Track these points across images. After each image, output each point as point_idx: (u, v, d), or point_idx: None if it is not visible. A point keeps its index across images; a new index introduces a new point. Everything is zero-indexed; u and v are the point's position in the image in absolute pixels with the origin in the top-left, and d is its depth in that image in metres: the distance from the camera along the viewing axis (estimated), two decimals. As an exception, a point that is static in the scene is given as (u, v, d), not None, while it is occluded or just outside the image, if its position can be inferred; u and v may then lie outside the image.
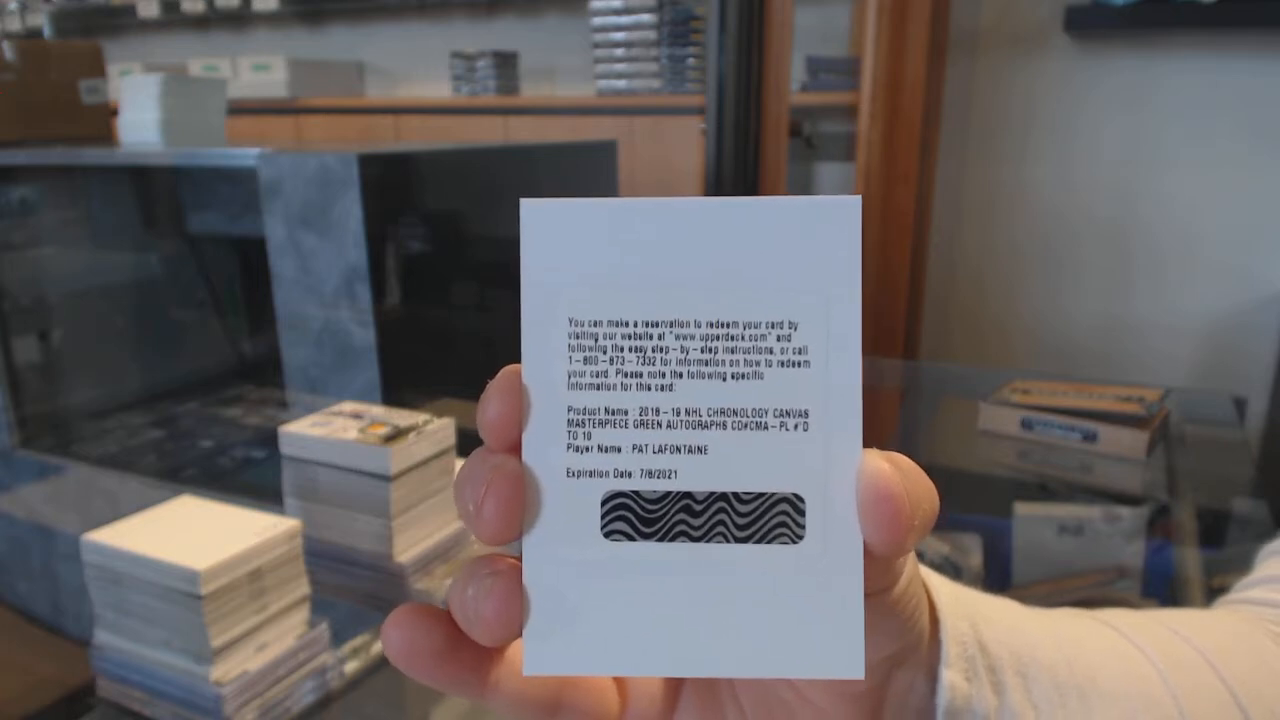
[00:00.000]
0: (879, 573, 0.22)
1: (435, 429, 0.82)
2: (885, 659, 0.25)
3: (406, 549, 0.81)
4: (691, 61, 2.22)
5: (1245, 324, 1.85)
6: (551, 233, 0.20)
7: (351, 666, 0.76)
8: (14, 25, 3.16)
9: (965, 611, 0.28)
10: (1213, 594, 0.77)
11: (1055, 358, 2.04)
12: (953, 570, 0.88)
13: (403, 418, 0.83)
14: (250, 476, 1.49)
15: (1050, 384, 1.17)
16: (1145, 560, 0.91)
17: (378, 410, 0.86)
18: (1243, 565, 0.40)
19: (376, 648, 0.79)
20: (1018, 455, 1.09)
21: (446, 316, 1.41)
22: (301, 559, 0.74)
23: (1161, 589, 0.89)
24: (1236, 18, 1.69)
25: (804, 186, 2.22)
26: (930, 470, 0.21)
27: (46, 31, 2.78)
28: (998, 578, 0.92)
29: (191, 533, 0.71)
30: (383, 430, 0.80)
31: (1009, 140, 2.01)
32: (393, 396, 1.20)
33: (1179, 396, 1.19)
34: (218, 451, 1.55)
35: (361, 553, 0.81)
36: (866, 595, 0.20)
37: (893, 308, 1.93)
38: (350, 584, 0.82)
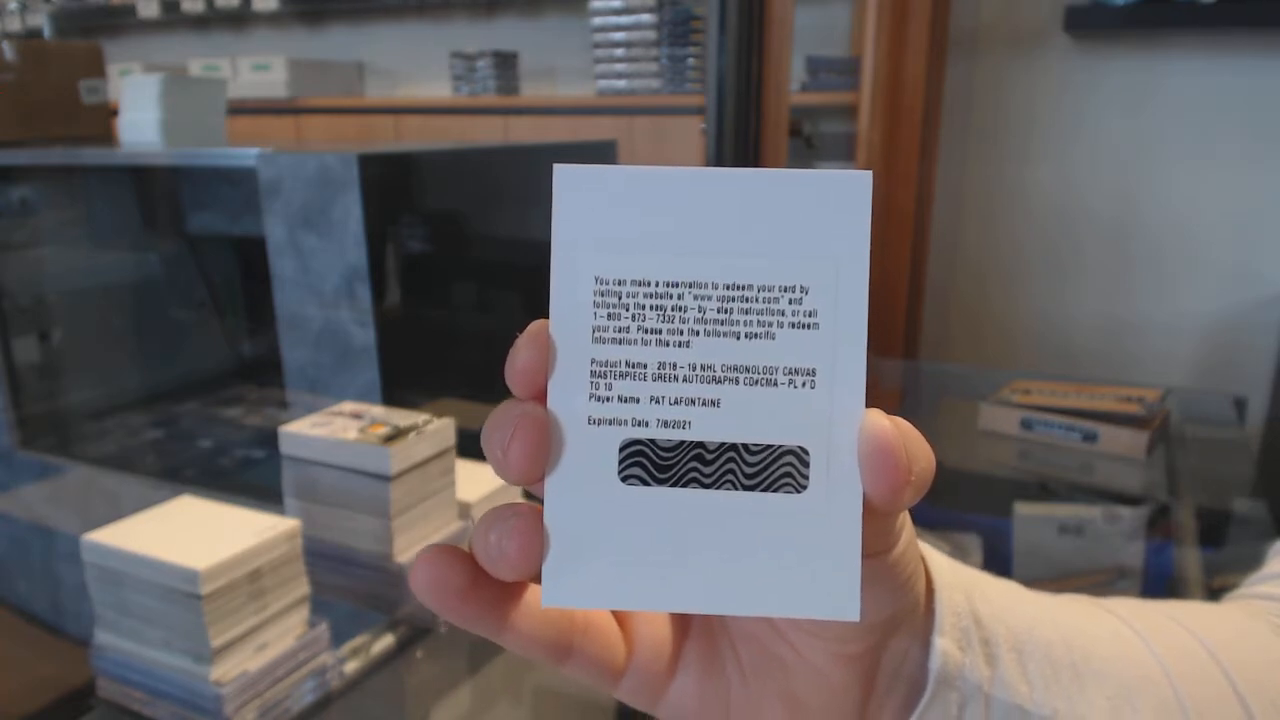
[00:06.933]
0: (878, 533, 0.23)
1: (435, 429, 0.82)
2: (881, 623, 0.25)
3: (406, 549, 0.81)
4: (691, 61, 2.22)
5: (1245, 324, 1.85)
6: (581, 196, 0.21)
7: (351, 666, 0.76)
8: (14, 25, 3.16)
9: (962, 585, 0.28)
10: (1213, 594, 0.77)
11: (1056, 357, 2.04)
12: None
13: (403, 418, 0.83)
14: (250, 476, 1.49)
15: (1050, 384, 1.18)
16: (1145, 560, 0.91)
17: (378, 410, 0.86)
18: (1243, 565, 0.40)
19: (376, 648, 0.79)
20: (1018, 455, 1.09)
21: (446, 316, 1.41)
22: (301, 559, 0.74)
23: (1161, 589, 0.89)
24: (1236, 18, 1.69)
25: (804, 186, 2.22)
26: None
27: (46, 31, 2.78)
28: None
29: (191, 533, 0.71)
30: (383, 430, 0.80)
31: (1009, 140, 2.01)
32: (393, 396, 1.20)
33: (1179, 396, 1.19)
34: (218, 451, 1.55)
35: (361, 553, 0.81)
36: (865, 556, 0.22)
37: (893, 308, 1.93)
38: (350, 584, 0.82)
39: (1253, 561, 0.39)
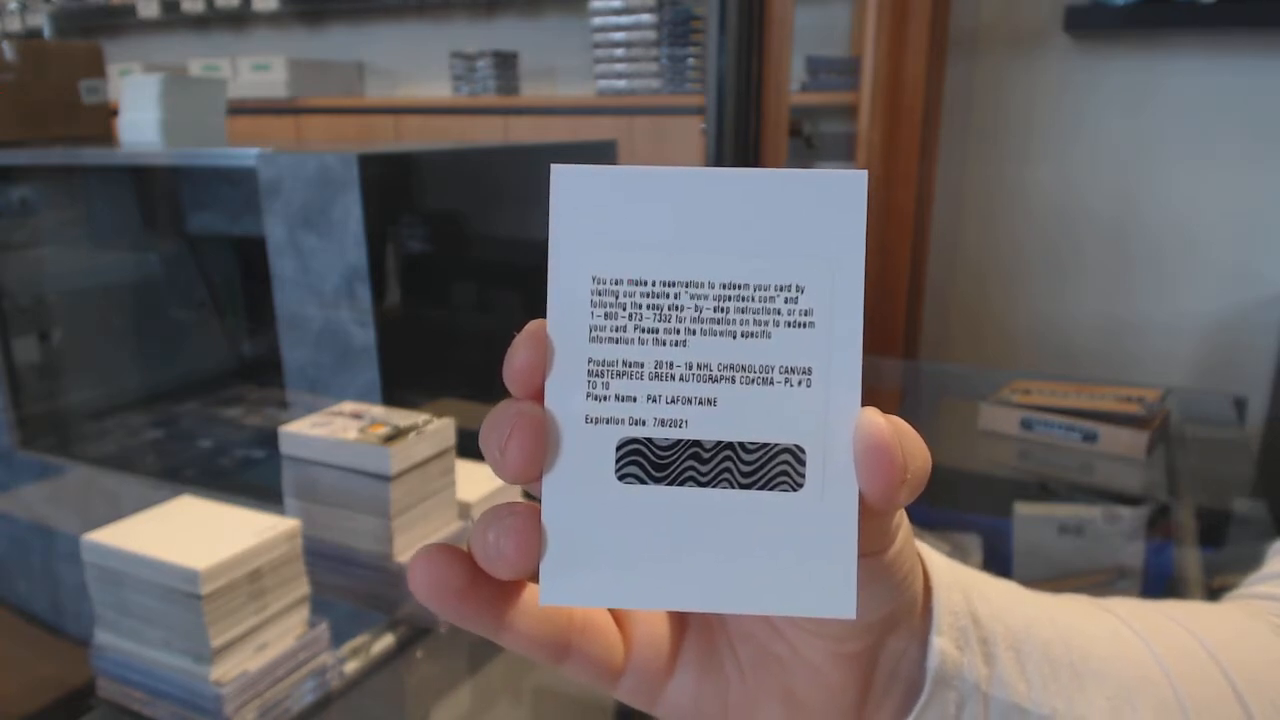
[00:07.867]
0: (875, 533, 0.23)
1: (435, 429, 0.82)
2: (878, 622, 0.25)
3: (406, 549, 0.81)
4: (691, 61, 2.22)
5: (1245, 324, 1.85)
6: (579, 196, 0.21)
7: (351, 666, 0.76)
8: (14, 25, 3.16)
9: (960, 585, 0.28)
10: (1213, 594, 0.77)
11: (1056, 357, 2.04)
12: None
13: (403, 418, 0.83)
14: (250, 476, 1.49)
15: (1050, 384, 1.18)
16: (1145, 560, 0.91)
17: (378, 410, 0.86)
18: (1243, 565, 0.40)
19: (376, 648, 0.79)
20: (1018, 455, 1.09)
21: (446, 316, 1.41)
22: (301, 559, 0.74)
23: (1161, 589, 0.89)
24: (1236, 18, 1.69)
25: (804, 186, 2.22)
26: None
27: (46, 31, 2.78)
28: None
29: (191, 533, 0.71)
30: (383, 430, 0.80)
31: (1009, 140, 2.01)
32: (393, 396, 1.20)
33: (1179, 396, 1.19)
34: (218, 451, 1.55)
35: (361, 553, 0.81)
36: (862, 555, 0.22)
37: (893, 308, 1.93)
38: (350, 584, 0.82)
39: (1253, 561, 0.39)
